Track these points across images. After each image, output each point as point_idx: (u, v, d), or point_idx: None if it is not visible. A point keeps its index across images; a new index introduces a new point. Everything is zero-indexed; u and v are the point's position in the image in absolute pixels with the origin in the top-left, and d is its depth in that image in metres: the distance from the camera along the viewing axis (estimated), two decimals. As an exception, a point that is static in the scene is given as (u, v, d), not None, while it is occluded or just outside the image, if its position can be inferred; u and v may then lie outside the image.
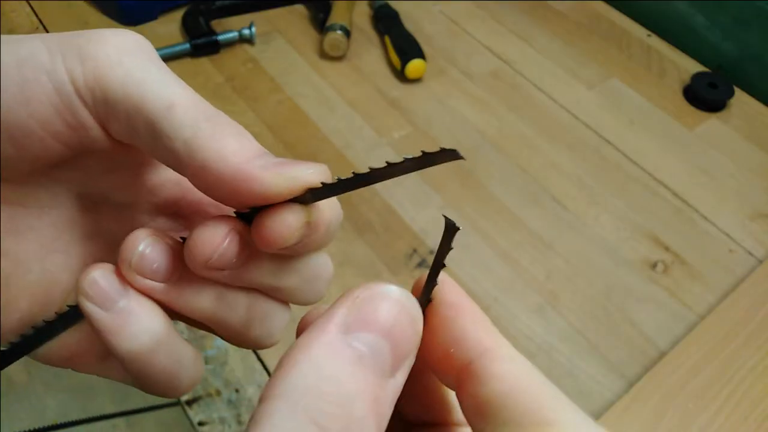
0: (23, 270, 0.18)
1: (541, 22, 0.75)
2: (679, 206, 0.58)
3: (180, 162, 0.16)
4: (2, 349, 0.19)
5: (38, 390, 0.97)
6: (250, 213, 0.17)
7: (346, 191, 0.17)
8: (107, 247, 0.20)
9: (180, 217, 0.22)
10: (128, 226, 0.20)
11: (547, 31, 0.74)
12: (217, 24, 0.70)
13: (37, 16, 0.70)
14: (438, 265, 0.17)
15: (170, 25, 0.71)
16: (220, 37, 0.67)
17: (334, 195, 0.17)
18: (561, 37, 0.74)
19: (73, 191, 0.19)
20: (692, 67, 0.71)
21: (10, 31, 0.68)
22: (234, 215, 0.18)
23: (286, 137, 0.61)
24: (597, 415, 0.44)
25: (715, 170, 0.61)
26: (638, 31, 0.75)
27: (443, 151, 0.15)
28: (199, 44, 0.67)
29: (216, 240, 0.17)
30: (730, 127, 0.65)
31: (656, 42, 0.74)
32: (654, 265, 0.53)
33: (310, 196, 0.17)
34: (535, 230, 0.55)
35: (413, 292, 0.16)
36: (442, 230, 0.17)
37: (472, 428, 0.15)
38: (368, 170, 0.16)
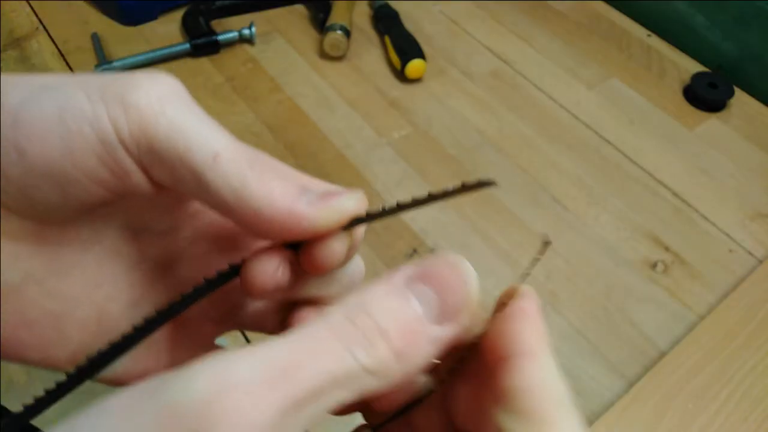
0: (72, 307, 0.19)
1: (541, 22, 0.75)
2: (679, 206, 0.58)
3: (229, 210, 0.17)
4: (69, 372, 0.18)
5: (38, 390, 0.97)
6: (297, 243, 0.19)
7: (385, 217, 0.19)
8: (151, 273, 0.21)
9: (221, 238, 0.22)
10: (170, 252, 0.21)
11: (547, 31, 0.74)
12: (217, 24, 0.70)
13: (37, 16, 0.70)
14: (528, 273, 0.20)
15: (170, 25, 0.71)
16: (220, 37, 0.67)
17: (374, 221, 0.19)
18: (561, 37, 0.74)
19: (114, 226, 0.20)
20: (692, 67, 0.71)
21: (10, 32, 0.68)
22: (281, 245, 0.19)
23: (286, 137, 0.61)
24: (597, 415, 0.44)
25: (715, 170, 0.61)
26: (638, 31, 0.75)
27: (480, 183, 0.18)
28: (199, 44, 0.67)
29: (269, 271, 0.18)
30: (730, 127, 0.65)
31: (656, 42, 0.74)
32: (654, 265, 0.53)
33: (351, 223, 0.18)
34: (535, 230, 0.55)
35: (502, 299, 0.19)
36: (541, 246, 0.20)
37: (480, 414, 0.18)
38: (410, 200, 0.18)
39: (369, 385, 0.15)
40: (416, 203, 0.18)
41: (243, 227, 0.18)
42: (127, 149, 0.16)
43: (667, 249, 0.55)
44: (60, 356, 0.19)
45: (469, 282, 0.17)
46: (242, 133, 0.61)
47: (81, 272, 0.19)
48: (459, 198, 0.20)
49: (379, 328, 0.15)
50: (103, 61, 0.64)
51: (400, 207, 0.18)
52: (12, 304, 0.17)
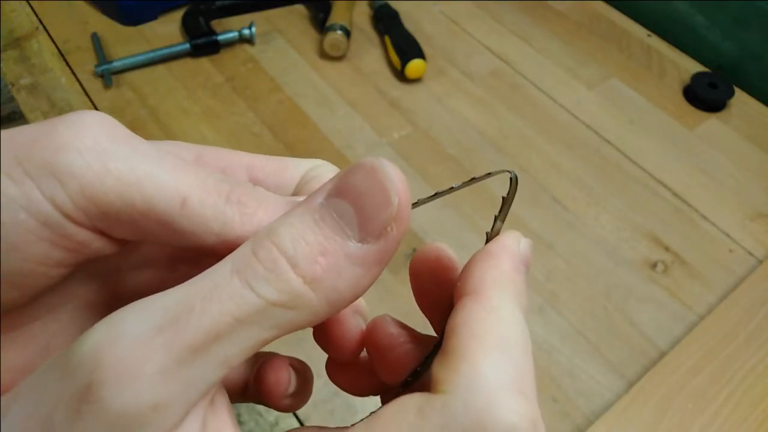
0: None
1: (541, 22, 0.75)
2: (679, 206, 0.58)
3: (214, 252, 0.15)
4: None
5: (38, 390, 0.97)
6: None
7: None
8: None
9: (201, 260, 0.21)
10: (148, 281, 0.19)
11: (547, 31, 0.74)
12: (217, 24, 0.70)
13: (37, 16, 0.70)
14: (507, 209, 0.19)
15: (170, 25, 0.71)
16: (220, 37, 0.67)
17: None
18: (561, 37, 0.74)
19: (84, 281, 0.18)
20: (692, 67, 0.71)
21: (10, 32, 0.68)
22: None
23: (286, 137, 0.61)
24: (597, 415, 0.44)
25: (715, 170, 0.61)
26: (638, 31, 0.75)
27: (490, 173, 0.19)
28: (199, 44, 0.67)
29: (283, 380, 0.21)
30: (730, 127, 0.65)
31: (656, 42, 0.74)
32: (654, 265, 0.53)
33: None
34: (535, 230, 0.55)
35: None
36: (510, 186, 0.19)
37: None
38: (415, 200, 0.18)
39: (289, 321, 0.14)
40: (436, 195, 0.20)
41: None
42: (76, 222, 0.14)
43: (667, 249, 0.55)
44: None
45: (391, 188, 0.14)
46: (242, 133, 0.61)
47: (59, 327, 0.17)
48: (453, 194, 0.21)
49: (286, 256, 0.14)
50: (103, 61, 0.64)
51: (413, 204, 0.19)
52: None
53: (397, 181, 0.15)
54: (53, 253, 0.14)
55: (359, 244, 0.15)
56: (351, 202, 0.14)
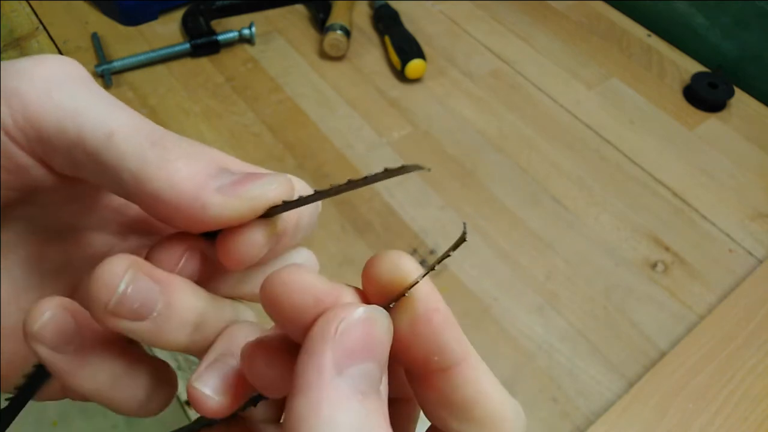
0: (4, 316, 0.18)
1: (541, 22, 0.75)
2: (679, 206, 0.58)
3: (130, 193, 0.15)
4: (6, 397, 0.18)
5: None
6: (213, 231, 0.16)
7: (306, 204, 0.16)
8: (80, 274, 0.19)
9: (153, 232, 0.21)
10: (99, 251, 0.19)
11: (547, 31, 0.74)
12: (217, 24, 0.70)
13: (37, 16, 0.70)
14: (432, 267, 0.16)
15: (170, 25, 0.71)
16: (220, 37, 0.67)
17: (294, 208, 0.16)
18: (561, 37, 0.74)
19: (34, 227, 0.18)
20: (692, 67, 0.71)
21: (10, 32, 0.68)
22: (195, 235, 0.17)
23: (286, 137, 0.61)
24: (597, 415, 0.44)
25: (715, 170, 0.61)
26: (638, 31, 0.75)
27: (404, 167, 0.15)
28: (199, 44, 0.67)
29: (172, 260, 0.16)
30: (730, 127, 0.65)
31: (656, 42, 0.74)
32: (654, 265, 0.53)
33: (271, 212, 0.16)
34: (535, 230, 0.55)
35: (369, 281, 0.16)
36: (458, 236, 0.16)
37: (433, 417, 0.16)
38: (329, 186, 0.15)
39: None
40: (336, 190, 0.15)
41: (148, 213, 0.16)
42: (15, 141, 0.15)
43: (667, 249, 0.55)
44: None
45: (389, 327, 0.15)
46: (242, 133, 0.61)
47: (5, 278, 0.18)
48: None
49: None
50: (103, 61, 0.64)
51: (319, 193, 0.16)
52: None
53: (388, 319, 0.15)
54: None
55: (383, 383, 0.14)
56: (372, 360, 0.14)
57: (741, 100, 0.68)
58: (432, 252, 0.53)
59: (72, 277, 0.19)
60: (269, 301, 0.15)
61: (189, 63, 0.67)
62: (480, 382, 0.16)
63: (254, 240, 0.16)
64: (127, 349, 0.17)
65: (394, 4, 0.73)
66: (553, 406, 0.45)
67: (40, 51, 0.66)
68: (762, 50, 0.69)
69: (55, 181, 0.16)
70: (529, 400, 0.45)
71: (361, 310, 0.14)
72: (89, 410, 0.99)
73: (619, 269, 0.53)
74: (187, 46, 0.66)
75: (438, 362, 0.15)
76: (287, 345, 0.16)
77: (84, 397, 0.17)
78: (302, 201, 0.16)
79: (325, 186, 0.15)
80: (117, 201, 0.20)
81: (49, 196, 0.18)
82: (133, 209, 0.20)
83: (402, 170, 0.14)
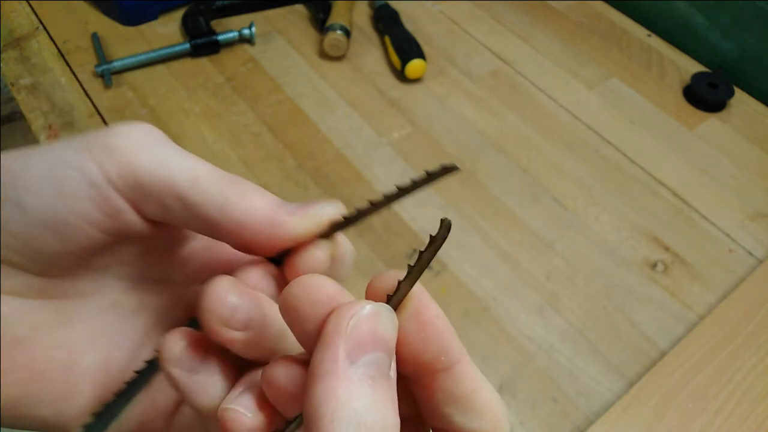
0: (79, 355, 0.20)
1: (541, 22, 0.75)
2: (679, 206, 0.58)
3: (216, 226, 0.18)
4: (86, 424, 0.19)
5: None
6: (279, 257, 0.19)
7: (364, 218, 0.19)
8: (152, 319, 0.22)
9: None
10: (169, 298, 0.22)
11: (547, 31, 0.74)
12: (217, 24, 0.70)
13: (37, 16, 0.70)
14: (425, 266, 0.18)
15: (170, 25, 0.71)
16: (220, 37, 0.67)
17: (352, 224, 0.19)
18: (561, 37, 0.74)
19: (113, 278, 0.21)
20: (692, 67, 0.71)
21: (10, 32, 0.68)
22: (266, 260, 0.20)
23: (286, 137, 0.61)
24: (597, 415, 0.44)
25: (715, 170, 0.61)
26: (638, 31, 0.75)
27: (444, 168, 0.17)
28: (199, 44, 0.67)
29: (252, 281, 0.19)
30: (730, 127, 0.65)
31: (656, 42, 0.74)
32: (654, 265, 0.53)
33: (331, 230, 0.19)
34: (535, 230, 0.55)
35: (374, 289, 0.18)
36: (438, 231, 0.17)
37: (438, 414, 0.19)
38: (382, 197, 0.18)
39: None
40: (389, 200, 0.18)
41: (230, 242, 0.19)
42: (115, 188, 0.18)
43: (667, 249, 0.55)
44: (71, 410, 0.19)
45: (395, 320, 0.17)
46: (242, 133, 0.61)
47: (84, 323, 0.20)
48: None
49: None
50: (103, 61, 0.64)
51: (374, 206, 0.18)
52: (21, 355, 0.18)
53: (392, 314, 0.17)
54: (93, 213, 0.18)
55: (392, 370, 0.17)
56: (379, 348, 0.16)
57: (741, 100, 0.68)
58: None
59: (144, 320, 0.22)
60: (289, 301, 0.17)
61: (189, 63, 0.67)
62: (477, 375, 0.18)
63: (318, 255, 0.19)
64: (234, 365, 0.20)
65: (394, 4, 0.73)
66: (553, 406, 0.45)
67: (40, 51, 0.66)
68: (762, 50, 0.69)
69: (143, 227, 0.19)
70: (529, 400, 0.45)
71: (369, 307, 0.16)
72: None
73: (619, 269, 0.53)
74: (187, 46, 0.66)
75: (444, 361, 0.18)
76: (302, 363, 0.18)
77: (205, 415, 0.19)
78: (359, 215, 0.19)
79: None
80: (184, 252, 0.23)
81: (130, 248, 0.20)
82: (198, 259, 0.23)
83: (442, 172, 0.17)
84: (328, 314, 0.16)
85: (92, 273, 0.20)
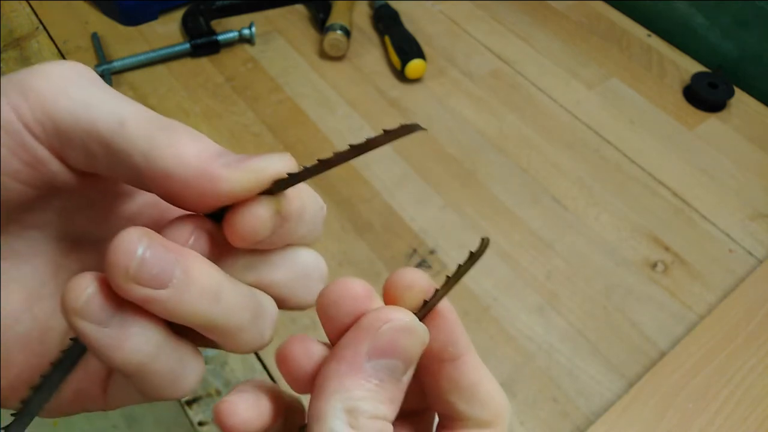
0: (12, 321, 0.18)
1: (541, 22, 0.75)
2: (679, 206, 0.58)
3: (142, 176, 0.16)
4: (14, 412, 0.18)
5: None
6: (219, 212, 0.17)
7: (311, 176, 0.17)
8: None
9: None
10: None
11: (547, 31, 0.74)
12: (217, 24, 0.70)
13: (37, 16, 0.70)
14: (456, 281, 0.19)
15: (170, 25, 0.71)
16: (220, 37, 0.67)
17: (299, 182, 0.17)
18: (561, 37, 0.74)
19: (49, 235, 0.19)
20: (692, 67, 0.71)
21: (10, 32, 0.68)
22: (203, 215, 0.18)
23: (286, 137, 0.61)
24: (597, 415, 0.44)
25: (715, 170, 0.61)
26: (638, 31, 0.75)
27: (403, 126, 0.16)
28: (199, 44, 0.67)
29: (182, 238, 0.17)
30: (730, 127, 0.65)
31: (656, 42, 0.74)
32: (654, 265, 0.53)
33: (276, 186, 0.17)
34: (535, 230, 0.55)
35: (391, 290, 0.19)
36: (478, 248, 0.18)
37: (442, 404, 0.20)
38: (331, 155, 0.17)
39: None
40: (339, 158, 0.17)
41: (159, 195, 0.17)
42: (34, 135, 0.16)
43: (667, 249, 0.55)
44: (4, 381, 0.18)
45: (425, 339, 0.19)
46: (242, 133, 0.61)
47: (19, 286, 0.18)
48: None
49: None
50: (103, 61, 0.64)
51: (323, 163, 0.17)
52: None
53: (426, 333, 0.18)
54: (12, 162, 0.16)
55: (404, 378, 0.18)
56: (398, 358, 0.17)
57: (741, 100, 0.68)
58: (432, 252, 0.53)
59: None
60: (334, 296, 0.18)
61: (189, 63, 0.67)
62: (481, 368, 0.20)
63: (259, 214, 0.17)
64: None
65: (394, 4, 0.73)
66: (553, 406, 0.45)
67: (40, 51, 0.66)
68: (762, 50, 0.69)
69: (70, 179, 0.17)
70: (529, 400, 0.45)
71: (407, 320, 0.18)
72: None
73: (619, 269, 0.53)
74: (187, 46, 0.66)
75: (452, 352, 0.19)
76: (318, 343, 0.19)
77: (127, 374, 0.17)
78: (305, 173, 0.17)
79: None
80: (129, 209, 0.21)
81: (64, 203, 0.18)
82: (145, 217, 0.21)
83: (401, 131, 0.16)
84: (361, 314, 0.18)
85: (27, 231, 0.18)
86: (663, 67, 0.71)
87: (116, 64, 0.64)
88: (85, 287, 0.16)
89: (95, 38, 0.67)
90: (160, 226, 0.20)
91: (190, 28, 0.68)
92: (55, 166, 0.17)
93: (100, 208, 0.20)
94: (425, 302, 0.19)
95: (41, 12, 0.71)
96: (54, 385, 0.17)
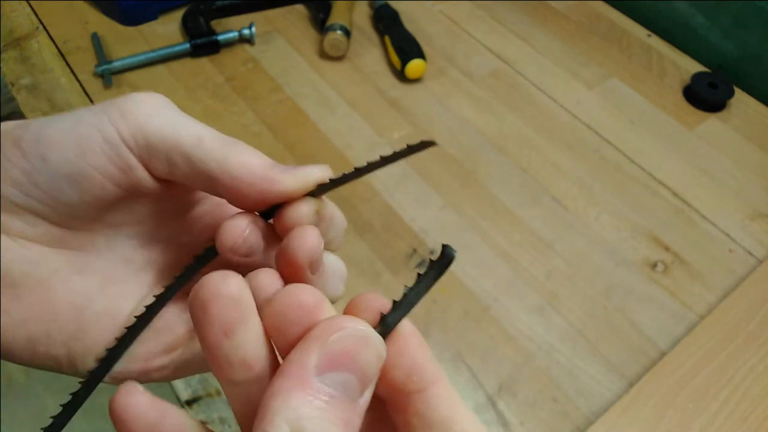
0: (90, 301, 0.22)
1: (541, 22, 0.75)
2: (679, 206, 0.58)
3: (214, 180, 0.20)
4: (81, 380, 0.21)
5: (38, 390, 0.97)
6: (270, 210, 0.21)
7: (348, 182, 0.21)
8: (156, 275, 0.24)
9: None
10: (175, 257, 0.24)
11: (547, 31, 0.74)
12: (217, 24, 0.70)
13: (37, 16, 0.70)
14: (418, 299, 0.18)
15: (170, 25, 0.71)
16: (220, 37, 0.67)
17: (339, 185, 0.21)
18: (561, 37, 0.74)
19: (124, 235, 0.23)
20: (692, 67, 0.71)
21: (10, 32, 0.68)
22: (256, 213, 0.22)
23: (286, 137, 0.61)
24: (597, 415, 0.44)
25: (715, 170, 0.61)
26: (638, 31, 0.75)
27: (423, 142, 0.19)
28: (199, 44, 0.67)
29: (238, 229, 0.21)
30: (730, 127, 0.65)
31: (656, 42, 0.74)
32: (654, 265, 0.53)
33: (318, 190, 0.21)
34: (535, 230, 0.55)
35: (354, 308, 0.18)
36: (438, 259, 0.18)
37: None
38: (365, 164, 0.21)
39: None
40: (373, 166, 0.20)
41: (227, 196, 0.21)
42: (128, 146, 0.20)
43: (667, 249, 0.55)
44: (79, 350, 0.21)
45: (382, 351, 0.17)
46: (242, 133, 0.61)
47: (96, 274, 0.22)
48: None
49: None
50: (103, 61, 0.64)
51: (359, 171, 0.21)
52: (41, 295, 0.21)
53: (382, 344, 0.17)
54: (108, 167, 0.20)
55: (360, 400, 0.16)
56: (351, 372, 0.16)
57: (741, 100, 0.68)
58: (432, 252, 0.53)
59: (150, 275, 0.24)
60: (280, 305, 0.17)
61: (189, 63, 0.67)
62: (455, 401, 0.17)
63: (304, 210, 0.21)
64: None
65: (394, 4, 0.73)
66: (553, 406, 0.45)
67: (40, 51, 0.66)
68: (762, 50, 0.69)
69: (152, 185, 0.21)
70: (529, 400, 0.45)
71: (360, 329, 0.16)
72: (89, 410, 0.99)
73: (619, 269, 0.53)
74: (187, 46, 0.66)
75: (416, 382, 0.17)
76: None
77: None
78: (343, 178, 0.21)
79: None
80: (191, 215, 0.25)
81: (141, 207, 0.23)
82: (203, 222, 0.25)
83: (421, 146, 0.19)
84: (313, 324, 0.17)
85: (107, 229, 0.22)
86: (663, 67, 0.71)
87: (116, 64, 0.64)
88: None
89: (95, 38, 0.67)
90: (214, 230, 0.23)
91: (190, 28, 0.68)
92: (141, 172, 0.21)
93: (168, 214, 0.24)
94: (383, 316, 0.17)
95: (41, 12, 0.71)
96: (116, 357, 0.21)
